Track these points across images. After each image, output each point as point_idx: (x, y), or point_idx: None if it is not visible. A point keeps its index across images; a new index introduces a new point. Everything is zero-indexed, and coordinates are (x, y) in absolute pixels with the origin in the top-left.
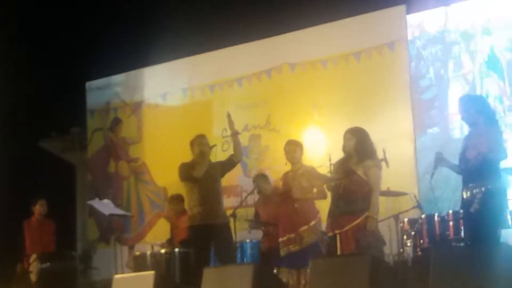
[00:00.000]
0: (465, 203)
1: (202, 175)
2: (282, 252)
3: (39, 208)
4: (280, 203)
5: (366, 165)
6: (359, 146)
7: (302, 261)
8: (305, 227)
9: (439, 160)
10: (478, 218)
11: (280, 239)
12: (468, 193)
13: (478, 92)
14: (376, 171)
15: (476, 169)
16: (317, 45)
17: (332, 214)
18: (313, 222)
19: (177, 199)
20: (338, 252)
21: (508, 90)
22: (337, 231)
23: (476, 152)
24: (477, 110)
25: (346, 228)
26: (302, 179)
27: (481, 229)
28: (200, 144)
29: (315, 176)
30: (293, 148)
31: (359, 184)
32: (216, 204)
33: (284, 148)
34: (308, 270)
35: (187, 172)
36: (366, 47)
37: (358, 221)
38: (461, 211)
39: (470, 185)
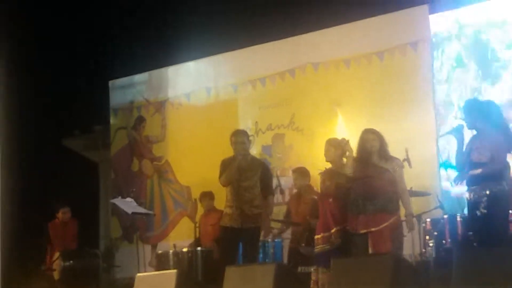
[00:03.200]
0: (469, 204)
1: (229, 182)
2: (317, 249)
3: (61, 215)
4: (319, 201)
5: (393, 165)
6: (383, 148)
7: (316, 260)
8: (339, 227)
9: (457, 130)
10: (485, 220)
11: (316, 237)
12: (472, 194)
13: None
14: (401, 171)
15: (480, 171)
16: (340, 44)
17: (362, 211)
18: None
19: (208, 196)
20: (370, 251)
21: None
22: (372, 229)
23: (480, 155)
24: (481, 114)
25: (382, 226)
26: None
27: (491, 231)
28: (232, 143)
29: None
30: (327, 148)
31: (392, 182)
32: (249, 207)
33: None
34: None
35: (220, 172)
36: (389, 47)
37: (394, 218)
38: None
39: (475, 187)
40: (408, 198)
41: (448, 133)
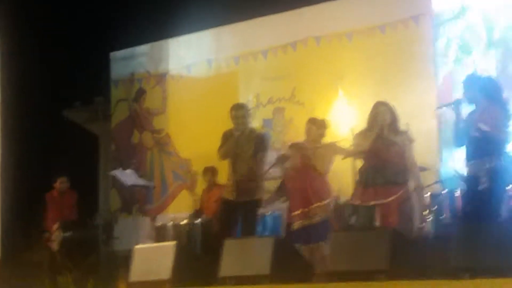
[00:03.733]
0: (469, 179)
1: (226, 156)
2: (295, 225)
3: (59, 185)
4: (297, 177)
5: (403, 138)
6: (395, 121)
7: (314, 235)
8: (319, 204)
9: (455, 104)
10: (483, 195)
11: (294, 212)
12: (472, 169)
13: None
14: (411, 144)
15: (480, 145)
16: (343, 18)
17: (371, 183)
18: (327, 200)
19: (211, 171)
20: (378, 223)
21: None
22: (383, 200)
23: (482, 130)
24: (480, 88)
25: (391, 198)
26: (322, 155)
27: (488, 205)
28: (232, 117)
29: (337, 150)
30: (316, 128)
31: (401, 155)
32: (246, 180)
33: (306, 125)
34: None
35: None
36: (392, 20)
37: (403, 190)
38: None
39: (475, 162)
40: (418, 172)
41: (445, 105)
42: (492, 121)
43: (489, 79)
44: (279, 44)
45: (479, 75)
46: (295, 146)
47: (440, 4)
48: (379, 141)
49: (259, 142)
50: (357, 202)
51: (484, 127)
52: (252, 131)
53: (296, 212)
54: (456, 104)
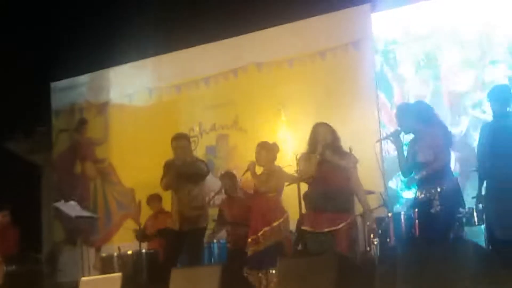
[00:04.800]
0: (421, 204)
1: (168, 186)
2: (249, 252)
3: (1, 219)
4: (248, 203)
5: (348, 161)
6: (336, 142)
7: (267, 261)
8: (267, 228)
9: (394, 135)
10: (437, 218)
11: (249, 239)
12: (424, 193)
13: None
14: (355, 166)
15: (430, 172)
16: (283, 44)
17: (320, 209)
18: (276, 223)
19: (156, 198)
20: (335, 249)
21: None
22: (333, 228)
23: (427, 155)
24: (413, 116)
25: (343, 224)
26: (272, 180)
27: (441, 228)
28: (173, 148)
29: (284, 176)
30: (258, 150)
31: (348, 179)
32: (189, 209)
33: (257, 148)
34: (274, 271)
35: (162, 175)
36: (332, 46)
37: (353, 216)
38: (416, 211)
39: (426, 186)
40: (364, 195)
41: (385, 138)
42: (434, 146)
43: (421, 104)
44: (220, 72)
45: (409, 103)
46: (227, 175)
47: (380, 29)
48: (324, 165)
49: (199, 171)
50: (308, 228)
51: (425, 158)
52: (193, 160)
53: (250, 239)
54: (395, 136)
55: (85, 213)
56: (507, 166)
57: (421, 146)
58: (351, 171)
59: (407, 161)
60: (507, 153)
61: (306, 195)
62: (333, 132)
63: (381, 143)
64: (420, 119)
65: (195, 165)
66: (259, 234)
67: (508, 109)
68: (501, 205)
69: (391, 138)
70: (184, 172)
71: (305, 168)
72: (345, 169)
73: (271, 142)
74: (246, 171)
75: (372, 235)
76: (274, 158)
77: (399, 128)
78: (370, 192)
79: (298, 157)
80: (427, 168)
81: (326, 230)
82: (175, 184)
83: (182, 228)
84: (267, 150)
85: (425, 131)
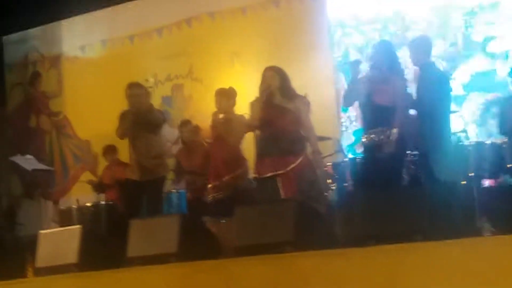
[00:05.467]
0: (374, 147)
1: (124, 135)
2: (209, 198)
3: None
4: (209, 151)
5: (297, 103)
6: (285, 84)
7: (227, 210)
8: (231, 175)
9: (356, 64)
10: (390, 161)
11: (210, 185)
12: (376, 136)
13: None
14: (307, 109)
15: (383, 113)
16: None
17: (266, 154)
18: (240, 170)
19: (111, 149)
20: (281, 194)
21: None
22: (280, 171)
23: (384, 97)
24: (388, 56)
25: (289, 168)
26: (233, 126)
27: (391, 172)
28: (127, 96)
29: (244, 124)
30: (217, 98)
31: (296, 123)
32: (147, 159)
33: (215, 97)
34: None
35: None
36: None
37: (301, 159)
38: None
39: (379, 128)
40: (314, 137)
41: (343, 63)
42: (392, 91)
43: (390, 45)
44: (173, 21)
45: (390, 43)
46: (183, 124)
47: None
48: (272, 109)
49: (156, 119)
50: (257, 175)
51: (380, 101)
52: (149, 109)
53: (210, 185)
54: (353, 65)
55: (42, 166)
56: None
57: (382, 88)
58: (301, 114)
59: (353, 93)
60: None
61: (255, 142)
62: (281, 74)
63: (336, 89)
64: (390, 62)
65: (151, 113)
66: (221, 181)
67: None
68: None
69: (350, 65)
70: (140, 120)
71: (253, 114)
72: (294, 112)
73: (227, 88)
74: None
75: (329, 180)
76: (234, 104)
77: (360, 59)
78: (326, 138)
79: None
80: (380, 111)
81: (270, 174)
82: (131, 132)
83: (142, 178)
84: (227, 96)
85: (388, 75)
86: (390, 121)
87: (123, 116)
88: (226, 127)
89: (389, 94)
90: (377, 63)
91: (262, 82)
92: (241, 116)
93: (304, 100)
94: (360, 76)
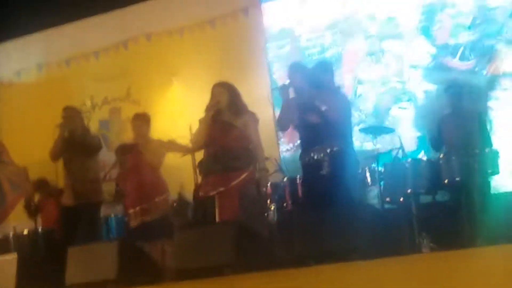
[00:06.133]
0: (313, 166)
1: (55, 157)
2: (135, 222)
3: None
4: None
5: (244, 118)
6: (232, 99)
7: (155, 234)
8: (160, 198)
9: (284, 89)
10: (328, 180)
11: (132, 210)
12: (314, 155)
13: None
14: (255, 124)
15: (319, 131)
16: (172, 14)
17: (210, 172)
18: (165, 195)
19: (41, 182)
20: (217, 213)
21: None
22: (221, 189)
23: (316, 114)
24: (305, 76)
25: (233, 183)
26: (152, 150)
27: (333, 190)
28: (62, 119)
29: (176, 148)
30: (140, 123)
31: (241, 138)
32: (81, 184)
33: (131, 123)
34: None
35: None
36: (221, 14)
37: (245, 175)
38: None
39: (316, 147)
40: (262, 154)
41: (274, 89)
42: (326, 108)
43: (318, 65)
44: (110, 44)
45: (302, 63)
46: (120, 149)
47: None
48: (218, 126)
49: (90, 144)
50: (201, 193)
51: (312, 119)
52: (83, 133)
53: (133, 210)
54: (282, 89)
55: None
56: None
57: (311, 107)
58: (250, 130)
59: (286, 117)
60: None
61: (200, 162)
62: (230, 90)
63: (274, 111)
64: (311, 80)
65: (85, 137)
66: (147, 204)
67: None
68: None
69: (279, 90)
70: (74, 144)
71: (196, 135)
72: (240, 128)
73: (142, 112)
74: None
75: (269, 201)
76: (148, 129)
77: (287, 83)
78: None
79: (192, 128)
80: (314, 130)
81: (212, 193)
82: (65, 156)
83: (76, 203)
84: (141, 121)
85: (316, 92)
86: (327, 138)
87: (57, 139)
88: (146, 151)
89: (318, 113)
90: (298, 84)
91: (211, 98)
92: (171, 141)
93: (253, 116)
94: (290, 99)
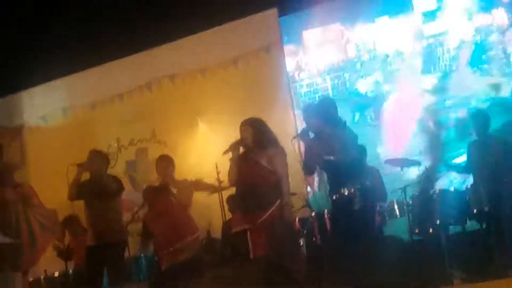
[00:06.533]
0: (343, 202)
1: (73, 195)
2: (167, 263)
3: None
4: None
5: (270, 153)
6: (258, 136)
7: (189, 271)
8: (191, 237)
9: (303, 134)
10: (358, 215)
11: (165, 251)
12: (344, 191)
13: None
14: (282, 158)
15: (343, 171)
16: (194, 55)
17: (240, 209)
18: (197, 233)
19: (70, 219)
20: (250, 248)
21: None
22: (248, 226)
23: (332, 156)
24: (316, 115)
25: (259, 221)
26: (181, 192)
27: (364, 224)
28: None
29: (203, 187)
30: (166, 165)
31: (264, 175)
32: (109, 222)
33: (156, 164)
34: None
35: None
36: (243, 53)
37: (270, 211)
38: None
39: (345, 183)
40: (287, 186)
41: (294, 137)
42: (337, 146)
43: (323, 102)
44: (134, 87)
45: (313, 103)
46: (148, 189)
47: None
48: (243, 165)
49: (108, 187)
50: (228, 231)
51: (328, 157)
52: (102, 175)
53: (166, 251)
54: (302, 134)
55: (7, 240)
56: None
57: (324, 148)
58: (276, 164)
59: (310, 160)
60: None
61: (229, 198)
62: (255, 126)
63: (299, 144)
64: (321, 118)
65: (103, 180)
66: (177, 245)
67: None
68: None
69: (299, 137)
70: (92, 186)
71: (228, 173)
72: (266, 164)
73: (166, 154)
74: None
75: (298, 236)
76: (173, 170)
77: (305, 128)
78: (292, 194)
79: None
80: (335, 168)
81: (239, 229)
82: (85, 198)
83: (99, 243)
84: (166, 163)
85: (329, 132)
86: (349, 175)
87: (74, 179)
88: (174, 192)
89: (338, 151)
90: (315, 125)
91: (240, 137)
92: (198, 181)
93: (278, 150)
94: (311, 142)
